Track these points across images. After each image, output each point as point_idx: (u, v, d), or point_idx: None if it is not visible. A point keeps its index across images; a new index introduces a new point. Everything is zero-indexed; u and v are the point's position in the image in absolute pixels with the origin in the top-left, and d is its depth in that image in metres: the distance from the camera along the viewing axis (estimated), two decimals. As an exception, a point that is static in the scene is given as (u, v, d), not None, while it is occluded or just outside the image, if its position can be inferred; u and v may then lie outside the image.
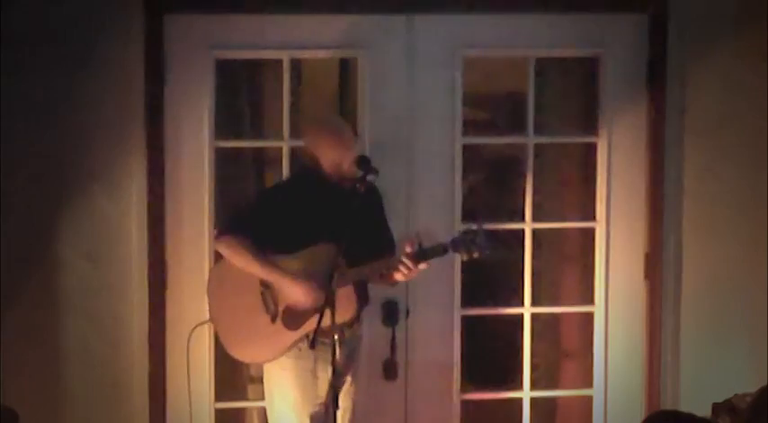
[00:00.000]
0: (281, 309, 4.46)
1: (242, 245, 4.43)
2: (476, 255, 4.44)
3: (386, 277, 4.52)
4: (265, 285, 4.48)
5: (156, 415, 4.97)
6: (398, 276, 4.47)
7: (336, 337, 4.23)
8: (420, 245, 4.41)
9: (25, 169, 4.88)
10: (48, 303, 4.93)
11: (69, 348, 4.95)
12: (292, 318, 4.44)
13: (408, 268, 4.41)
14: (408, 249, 4.41)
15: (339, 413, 4.23)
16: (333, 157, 4.49)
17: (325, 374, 4.41)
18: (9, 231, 4.87)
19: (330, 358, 4.22)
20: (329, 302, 4.15)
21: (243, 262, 4.45)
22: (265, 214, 4.51)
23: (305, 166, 4.63)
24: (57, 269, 4.93)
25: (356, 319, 4.57)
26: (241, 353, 4.57)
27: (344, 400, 4.51)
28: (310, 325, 4.29)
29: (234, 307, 4.51)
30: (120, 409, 4.98)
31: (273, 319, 4.47)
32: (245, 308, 4.49)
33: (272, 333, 4.46)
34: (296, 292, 4.41)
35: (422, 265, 4.43)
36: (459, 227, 4.99)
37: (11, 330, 4.88)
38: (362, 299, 4.56)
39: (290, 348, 4.45)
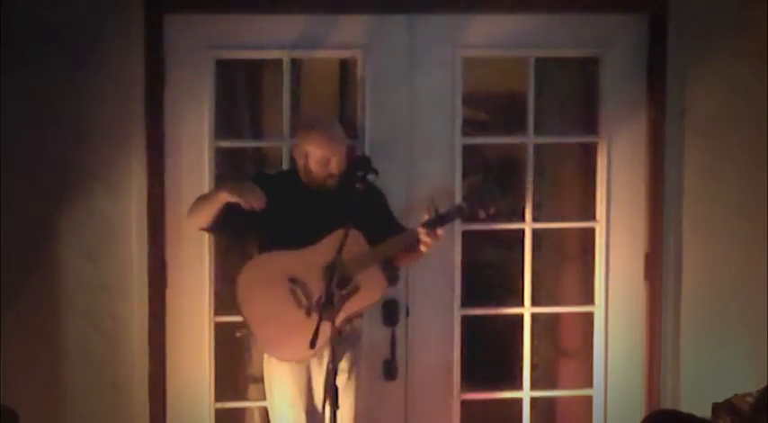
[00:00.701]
0: (313, 301, 4.46)
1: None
2: (492, 209, 4.50)
3: (410, 252, 4.54)
4: (293, 281, 4.48)
5: (156, 415, 4.97)
6: (422, 247, 4.48)
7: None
8: (437, 211, 4.44)
9: (25, 169, 4.88)
10: (48, 303, 4.93)
11: (69, 348, 4.95)
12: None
13: (429, 236, 4.43)
14: (426, 217, 4.43)
15: (339, 413, 4.22)
16: (320, 155, 4.52)
17: (322, 369, 4.41)
18: (9, 231, 4.87)
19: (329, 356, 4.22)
20: (329, 301, 4.14)
21: (197, 209, 4.57)
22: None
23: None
24: (57, 269, 4.93)
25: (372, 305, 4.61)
26: (285, 352, 4.52)
27: (345, 397, 4.50)
28: (345, 312, 4.29)
29: (267, 309, 4.49)
30: (120, 410, 4.97)
31: (308, 313, 4.46)
32: (278, 307, 4.48)
33: (311, 326, 4.44)
34: (240, 196, 4.44)
35: (440, 231, 4.47)
36: (460, 226, 5.02)
37: (11, 330, 4.88)
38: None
39: (330, 338, 4.42)
